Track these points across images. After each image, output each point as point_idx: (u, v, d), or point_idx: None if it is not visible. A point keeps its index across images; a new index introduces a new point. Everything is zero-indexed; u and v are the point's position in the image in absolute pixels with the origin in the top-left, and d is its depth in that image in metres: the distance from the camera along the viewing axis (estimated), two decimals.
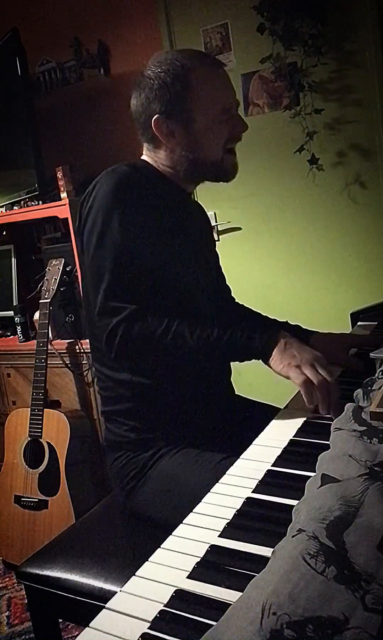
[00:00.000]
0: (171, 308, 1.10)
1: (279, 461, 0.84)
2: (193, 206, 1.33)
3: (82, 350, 2.20)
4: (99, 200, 1.09)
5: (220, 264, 1.45)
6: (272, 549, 0.57)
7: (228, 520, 0.70)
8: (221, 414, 1.22)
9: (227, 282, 1.48)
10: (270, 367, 1.04)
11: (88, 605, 0.98)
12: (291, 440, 0.91)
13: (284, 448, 0.88)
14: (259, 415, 1.14)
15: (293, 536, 0.56)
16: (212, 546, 0.65)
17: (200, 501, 0.77)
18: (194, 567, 0.62)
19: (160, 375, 1.14)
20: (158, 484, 1.10)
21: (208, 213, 1.43)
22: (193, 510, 0.74)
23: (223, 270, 1.47)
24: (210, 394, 1.21)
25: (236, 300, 1.49)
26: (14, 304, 2.63)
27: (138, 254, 1.08)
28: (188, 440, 1.13)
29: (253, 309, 1.47)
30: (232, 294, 1.49)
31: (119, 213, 1.07)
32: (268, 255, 2.51)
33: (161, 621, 0.54)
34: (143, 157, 1.24)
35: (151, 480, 1.11)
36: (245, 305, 1.47)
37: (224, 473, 0.83)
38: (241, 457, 0.88)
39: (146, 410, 1.16)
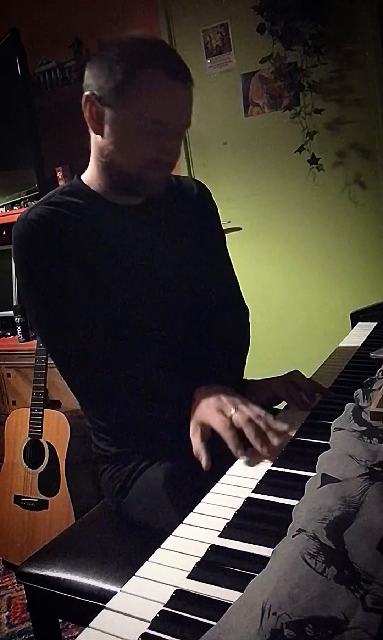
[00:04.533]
0: (127, 358, 1.05)
1: (279, 461, 0.84)
2: (141, 215, 1.12)
3: None
4: (17, 264, 1.03)
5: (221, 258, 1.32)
6: (272, 549, 0.57)
7: (228, 520, 0.70)
8: None
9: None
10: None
11: (88, 605, 0.98)
12: (291, 439, 0.91)
13: (284, 448, 0.88)
14: None
15: (293, 536, 0.56)
16: (212, 546, 0.65)
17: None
18: (194, 567, 0.62)
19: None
20: (145, 495, 1.06)
21: None
22: (193, 510, 0.74)
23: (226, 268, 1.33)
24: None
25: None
26: (14, 304, 2.63)
27: (78, 316, 1.02)
28: (173, 452, 1.07)
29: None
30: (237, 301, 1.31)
31: (38, 285, 1.02)
32: (268, 255, 2.51)
33: (161, 621, 0.54)
34: (83, 175, 1.13)
35: (138, 492, 1.08)
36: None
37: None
38: None
39: (121, 429, 1.14)
